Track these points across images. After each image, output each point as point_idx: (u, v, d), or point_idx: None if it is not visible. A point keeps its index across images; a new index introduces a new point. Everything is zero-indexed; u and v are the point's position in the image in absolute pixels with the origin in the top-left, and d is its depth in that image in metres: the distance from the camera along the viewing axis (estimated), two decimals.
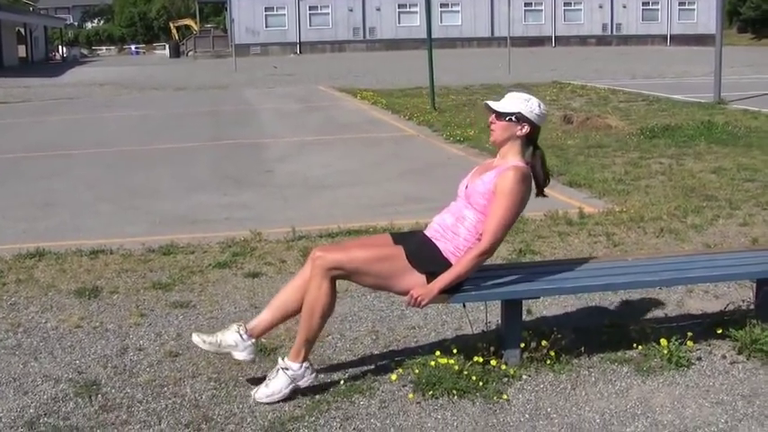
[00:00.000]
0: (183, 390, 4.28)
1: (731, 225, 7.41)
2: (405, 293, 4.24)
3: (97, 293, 5.84)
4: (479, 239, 4.22)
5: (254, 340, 4.29)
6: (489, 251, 4.19)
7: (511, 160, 4.33)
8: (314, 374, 4.24)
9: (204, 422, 3.93)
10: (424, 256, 4.22)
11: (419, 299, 4.11)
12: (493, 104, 4.43)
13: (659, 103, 18.98)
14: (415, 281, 4.19)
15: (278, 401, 4.12)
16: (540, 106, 4.39)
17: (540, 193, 4.48)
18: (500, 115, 4.37)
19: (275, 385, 4.14)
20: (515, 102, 4.37)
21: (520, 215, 4.41)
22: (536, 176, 4.40)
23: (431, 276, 4.18)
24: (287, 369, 4.15)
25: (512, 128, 4.35)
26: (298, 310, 4.25)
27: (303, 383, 4.18)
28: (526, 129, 4.35)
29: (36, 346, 4.91)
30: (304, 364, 4.17)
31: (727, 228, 7.33)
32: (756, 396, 4.10)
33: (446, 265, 4.20)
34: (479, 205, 4.24)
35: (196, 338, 4.31)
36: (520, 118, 4.34)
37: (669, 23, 66.67)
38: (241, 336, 4.25)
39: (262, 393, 4.16)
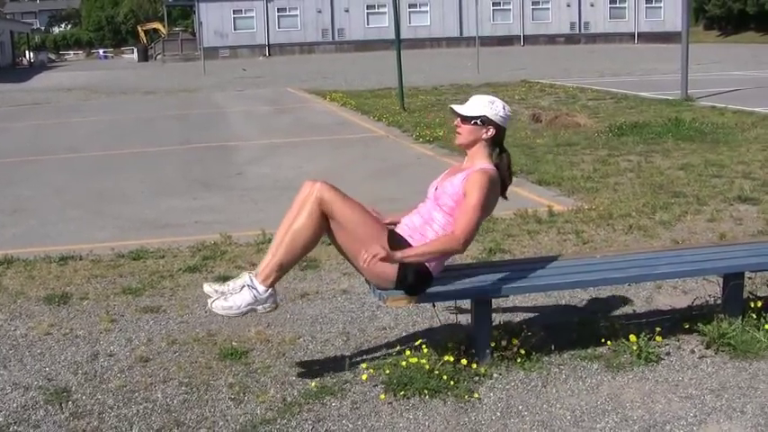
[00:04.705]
0: (155, 395, 4.26)
1: (699, 221, 7.48)
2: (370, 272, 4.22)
3: (67, 300, 5.80)
4: None
5: (271, 290, 4.18)
6: (460, 249, 4.16)
7: (478, 163, 4.35)
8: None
9: (176, 427, 3.91)
10: (400, 246, 4.20)
11: (374, 258, 3.93)
12: (457, 108, 4.44)
13: (627, 100, 19.11)
14: (384, 266, 4.12)
15: (231, 316, 4.16)
16: (504, 108, 4.41)
17: (503, 194, 4.47)
18: (465, 119, 4.39)
19: (236, 300, 4.10)
20: (480, 105, 4.39)
21: (488, 217, 4.43)
22: (502, 178, 4.41)
23: (402, 267, 4.16)
24: (253, 288, 4.11)
25: (477, 131, 4.37)
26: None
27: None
28: (491, 131, 4.37)
29: (5, 354, 4.87)
30: (270, 290, 4.15)
31: (695, 224, 7.39)
32: (724, 390, 4.14)
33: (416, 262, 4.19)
34: (447, 207, 4.26)
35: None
36: (485, 121, 4.36)
37: (636, 21, 67.25)
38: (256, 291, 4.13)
39: (219, 305, 4.12)
